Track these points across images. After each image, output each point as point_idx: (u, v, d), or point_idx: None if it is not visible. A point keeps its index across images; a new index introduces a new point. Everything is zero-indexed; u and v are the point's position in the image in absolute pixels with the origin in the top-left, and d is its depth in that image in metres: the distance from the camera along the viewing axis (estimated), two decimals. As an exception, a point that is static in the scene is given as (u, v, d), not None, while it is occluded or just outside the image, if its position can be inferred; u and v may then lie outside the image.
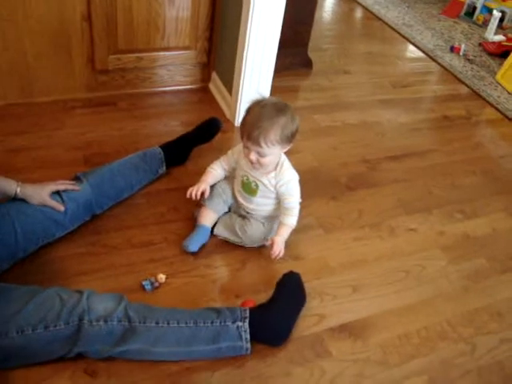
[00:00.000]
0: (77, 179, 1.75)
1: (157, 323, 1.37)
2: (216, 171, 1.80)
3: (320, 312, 1.63)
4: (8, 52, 2.16)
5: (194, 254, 1.73)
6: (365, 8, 4.35)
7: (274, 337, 1.50)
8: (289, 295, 1.56)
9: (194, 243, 1.72)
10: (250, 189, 1.73)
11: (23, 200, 1.57)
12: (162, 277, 1.62)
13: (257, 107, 1.58)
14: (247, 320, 1.43)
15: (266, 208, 1.77)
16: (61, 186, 1.66)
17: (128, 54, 2.39)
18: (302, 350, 1.50)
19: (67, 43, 2.25)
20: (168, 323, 1.38)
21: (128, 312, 1.36)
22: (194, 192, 1.71)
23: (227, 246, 1.79)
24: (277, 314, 1.49)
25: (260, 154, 1.58)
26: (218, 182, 1.82)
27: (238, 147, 1.75)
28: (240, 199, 1.79)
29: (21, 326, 1.27)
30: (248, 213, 1.79)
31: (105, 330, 1.32)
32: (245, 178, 1.73)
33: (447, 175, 2.38)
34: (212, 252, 1.74)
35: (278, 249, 1.65)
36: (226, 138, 2.29)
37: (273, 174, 1.69)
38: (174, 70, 2.55)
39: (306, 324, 1.58)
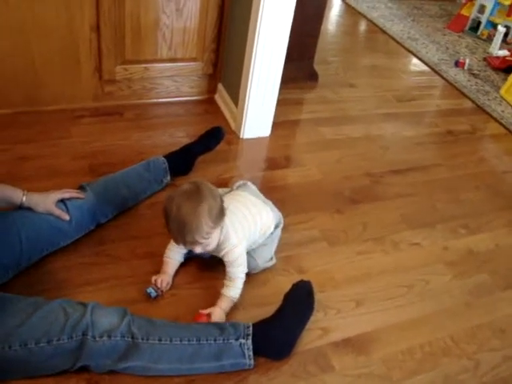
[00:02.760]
0: (81, 188, 1.76)
1: (159, 340, 1.37)
2: (173, 259, 1.68)
3: (324, 326, 1.62)
4: (16, 60, 2.18)
5: (193, 258, 1.72)
6: (369, 21, 4.38)
7: (276, 353, 1.50)
8: (295, 308, 1.53)
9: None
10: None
11: (29, 209, 1.58)
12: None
13: (173, 210, 1.44)
14: (250, 337, 1.42)
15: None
16: (66, 194, 1.67)
17: (135, 65, 2.41)
18: (305, 364, 1.50)
19: (75, 53, 2.27)
20: (171, 340, 1.38)
21: (131, 328, 1.35)
22: (159, 284, 1.61)
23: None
24: (280, 331, 1.48)
25: (203, 245, 1.50)
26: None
27: None
28: None
29: (24, 339, 1.27)
30: None
31: (108, 345, 1.32)
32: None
33: (451, 190, 2.38)
34: (216, 264, 1.73)
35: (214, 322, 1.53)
36: (231, 150, 2.30)
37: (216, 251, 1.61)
38: (180, 80, 2.57)
39: (310, 338, 1.57)
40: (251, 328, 1.45)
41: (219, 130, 2.14)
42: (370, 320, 1.68)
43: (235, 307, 1.61)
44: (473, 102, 3.26)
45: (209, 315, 1.52)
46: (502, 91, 3.38)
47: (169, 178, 2.00)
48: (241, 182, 1.86)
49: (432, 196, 2.31)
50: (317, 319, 1.63)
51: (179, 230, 1.45)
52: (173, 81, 2.55)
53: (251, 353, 1.42)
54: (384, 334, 1.64)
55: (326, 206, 2.11)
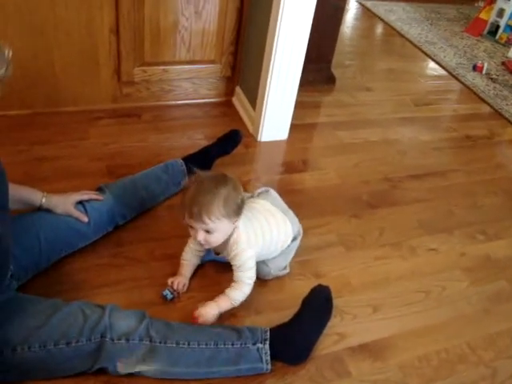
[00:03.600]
0: (99, 190, 1.77)
1: (177, 344, 1.37)
2: (189, 261, 1.69)
3: (340, 331, 1.62)
4: (37, 61, 2.20)
5: (209, 263, 1.73)
6: (387, 24, 4.37)
7: (293, 358, 1.49)
8: (313, 313, 1.53)
9: (207, 254, 1.71)
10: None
11: (48, 210, 1.59)
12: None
13: (193, 184, 1.49)
14: (268, 342, 1.43)
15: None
16: (85, 196, 1.68)
17: (154, 67, 2.42)
18: (322, 370, 1.49)
19: (94, 55, 2.29)
20: (189, 344, 1.38)
21: (149, 331, 1.36)
22: (176, 285, 1.62)
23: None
24: (298, 336, 1.48)
25: (207, 231, 1.48)
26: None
27: None
28: None
29: (43, 340, 1.28)
30: None
31: (126, 348, 1.33)
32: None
33: (469, 195, 2.37)
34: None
35: (201, 317, 1.51)
36: (249, 153, 2.31)
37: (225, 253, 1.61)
38: (198, 83, 2.58)
39: (327, 343, 1.57)
40: (269, 332, 1.45)
41: (237, 133, 2.15)
42: (386, 326, 1.67)
43: (254, 311, 1.62)
44: (491, 106, 3.24)
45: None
46: (521, 96, 3.35)
47: (187, 180, 2.00)
48: (263, 189, 1.84)
49: (449, 201, 2.30)
50: (333, 324, 1.63)
51: (190, 201, 1.45)
52: (191, 83, 2.56)
53: (268, 357, 1.42)
54: (400, 340, 1.63)
55: (343, 210, 2.11)
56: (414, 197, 2.28)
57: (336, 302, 1.68)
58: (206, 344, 1.39)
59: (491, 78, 3.61)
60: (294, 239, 1.76)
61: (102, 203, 1.71)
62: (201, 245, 1.57)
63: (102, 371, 1.35)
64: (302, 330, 1.49)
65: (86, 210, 1.66)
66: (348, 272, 1.84)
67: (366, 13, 4.59)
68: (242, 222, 1.56)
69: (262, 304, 1.64)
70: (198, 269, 1.72)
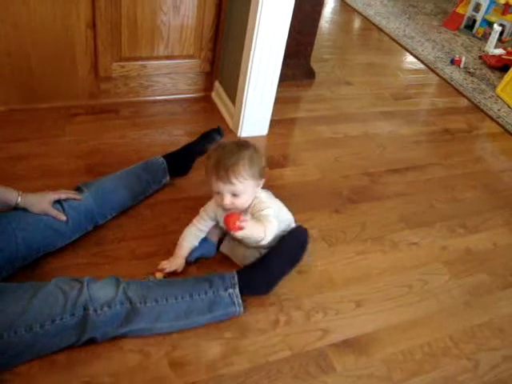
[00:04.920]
0: (78, 190, 1.74)
1: (156, 301, 1.45)
2: (190, 243, 1.70)
3: (324, 327, 1.62)
4: (11, 57, 2.15)
5: (193, 262, 1.72)
6: (366, 18, 4.37)
7: (258, 292, 1.63)
8: (283, 256, 1.64)
9: (193, 253, 1.71)
10: (235, 237, 1.63)
11: (24, 209, 1.56)
12: (159, 275, 1.63)
13: (217, 150, 1.54)
14: (237, 286, 1.54)
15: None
16: (62, 195, 1.65)
17: (132, 62, 2.39)
18: (307, 366, 1.49)
19: (71, 50, 2.25)
20: (167, 300, 1.46)
21: (128, 294, 1.42)
22: (168, 269, 1.64)
23: (232, 264, 1.75)
24: (263, 276, 1.61)
25: (234, 194, 1.51)
26: (210, 207, 1.71)
27: (211, 204, 1.69)
28: (233, 244, 1.75)
29: (29, 323, 1.30)
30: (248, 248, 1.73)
31: (109, 314, 1.38)
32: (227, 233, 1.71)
33: (448, 189, 2.38)
34: (217, 265, 1.73)
35: (245, 227, 1.43)
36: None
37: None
38: (177, 78, 2.55)
39: (310, 339, 1.57)
40: (236, 277, 1.56)
41: (219, 130, 2.14)
42: (369, 321, 1.67)
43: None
44: (469, 100, 3.27)
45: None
46: (498, 90, 3.38)
47: (168, 178, 1.98)
48: None
49: (430, 195, 2.31)
50: (316, 320, 1.63)
51: (217, 165, 1.49)
52: (170, 78, 2.54)
53: (240, 300, 1.54)
54: (384, 335, 1.63)
55: (324, 205, 2.10)
56: (395, 191, 2.29)
57: (319, 297, 1.71)
58: (182, 297, 1.48)
59: (469, 72, 3.64)
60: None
61: (81, 202, 1.68)
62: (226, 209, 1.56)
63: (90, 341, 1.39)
64: (267, 272, 1.62)
65: (63, 208, 1.63)
66: (330, 267, 1.83)
67: (345, 7, 4.59)
68: (263, 193, 1.64)
69: (244, 300, 1.61)
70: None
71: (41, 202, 1.58)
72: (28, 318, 1.30)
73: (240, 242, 1.70)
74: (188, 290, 1.50)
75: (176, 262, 1.66)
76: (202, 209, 1.72)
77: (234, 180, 1.48)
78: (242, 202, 1.54)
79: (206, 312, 1.51)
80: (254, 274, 1.61)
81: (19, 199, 1.55)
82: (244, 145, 1.56)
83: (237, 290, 1.53)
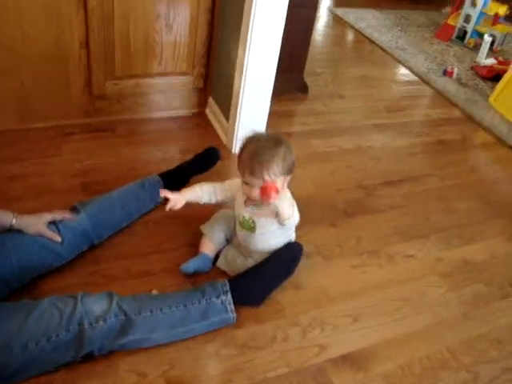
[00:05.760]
0: (74, 209, 1.73)
1: (151, 312, 1.46)
2: (198, 188, 1.77)
3: (321, 342, 1.61)
4: (5, 77, 2.16)
5: (188, 278, 1.72)
6: (358, 31, 4.41)
7: (251, 302, 1.66)
8: (274, 268, 1.68)
9: (189, 265, 1.71)
10: (248, 226, 1.70)
11: (19, 231, 1.56)
12: (155, 292, 1.63)
13: (252, 142, 1.59)
14: (229, 292, 1.56)
15: (266, 240, 1.73)
16: (57, 215, 1.65)
17: (125, 80, 2.40)
18: (305, 382, 1.48)
19: (65, 69, 2.26)
20: (161, 310, 1.48)
21: (122, 306, 1.43)
22: (169, 207, 1.70)
23: (228, 276, 1.75)
24: (255, 285, 1.64)
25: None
26: (219, 211, 1.81)
27: (237, 183, 1.72)
28: (240, 237, 1.77)
29: (24, 342, 1.30)
30: (249, 252, 1.76)
31: (105, 327, 1.38)
32: (241, 217, 1.72)
33: (443, 200, 2.39)
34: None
35: (275, 195, 1.53)
36: (223, 165, 2.28)
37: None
38: (171, 95, 2.56)
39: (308, 355, 1.56)
40: (228, 284, 1.58)
41: (215, 151, 2.15)
42: (367, 335, 1.67)
43: (232, 325, 1.60)
44: (462, 111, 3.29)
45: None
46: (491, 100, 3.40)
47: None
48: None
49: (425, 207, 2.32)
50: (313, 336, 1.63)
51: (252, 159, 1.54)
52: (164, 95, 2.55)
53: (232, 307, 1.56)
54: (382, 349, 1.63)
55: (319, 219, 2.11)
56: (390, 203, 2.29)
57: (316, 312, 1.70)
58: (177, 306, 1.50)
59: (462, 83, 3.67)
60: None
61: (76, 223, 1.68)
62: (250, 200, 1.64)
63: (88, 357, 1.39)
64: (259, 281, 1.65)
65: (58, 229, 1.62)
66: (327, 282, 1.83)
67: (337, 20, 4.63)
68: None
69: (241, 316, 1.62)
70: (177, 285, 1.69)
71: (36, 224, 1.58)
72: (23, 336, 1.30)
73: (245, 248, 1.76)
74: (182, 301, 1.52)
75: (177, 197, 1.71)
76: (229, 181, 1.79)
77: (266, 177, 1.53)
78: None
79: (201, 319, 1.53)
80: (246, 282, 1.64)
81: (14, 221, 1.55)
82: (279, 141, 1.59)
83: (229, 297, 1.56)
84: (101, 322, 1.38)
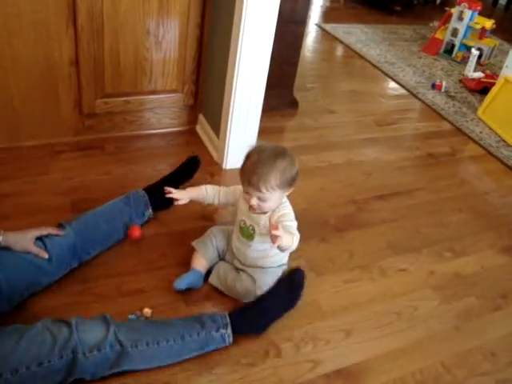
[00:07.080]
0: (60, 226, 1.73)
1: (147, 345, 1.43)
2: (205, 191, 1.83)
3: (314, 358, 1.60)
4: (-6, 96, 2.16)
5: (181, 295, 1.71)
6: (346, 46, 4.44)
7: (252, 331, 1.63)
8: (279, 296, 1.68)
9: (182, 281, 1.70)
10: (247, 233, 1.71)
11: (6, 248, 1.55)
12: (147, 311, 1.62)
13: (255, 153, 1.60)
14: (229, 325, 1.54)
15: (262, 255, 1.73)
16: (44, 231, 1.65)
17: (115, 98, 2.40)
18: (299, 399, 1.48)
19: (54, 87, 2.25)
20: (158, 343, 1.45)
21: (118, 336, 1.40)
22: (170, 194, 1.78)
23: (220, 294, 1.75)
24: (257, 318, 1.62)
25: (261, 199, 1.59)
26: (212, 228, 1.83)
27: (241, 189, 1.73)
28: (237, 245, 1.77)
29: (14, 366, 1.28)
30: (243, 264, 1.77)
31: (99, 357, 1.36)
32: (242, 222, 1.72)
33: (434, 213, 2.40)
34: (205, 299, 1.72)
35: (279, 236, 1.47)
36: (214, 181, 2.29)
37: (269, 213, 1.67)
38: (161, 112, 2.56)
39: (300, 371, 1.55)
40: (228, 317, 1.56)
41: (194, 158, 2.18)
42: (360, 350, 1.66)
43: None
44: (451, 124, 3.30)
45: None
46: (479, 112, 3.43)
47: (150, 211, 1.98)
48: None
49: (416, 220, 2.32)
50: (307, 351, 1.62)
51: (251, 170, 1.56)
52: (154, 113, 2.55)
53: (231, 338, 1.55)
54: (375, 364, 1.62)
55: (311, 235, 2.10)
56: (381, 217, 2.29)
57: (308, 328, 1.70)
58: (174, 340, 1.47)
59: (450, 96, 3.69)
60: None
61: (63, 238, 1.67)
62: (253, 208, 1.64)
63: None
64: (261, 314, 1.63)
65: (45, 245, 1.62)
66: (319, 297, 1.83)
67: (326, 35, 4.66)
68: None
69: (235, 334, 1.60)
70: (169, 303, 1.68)
71: (22, 240, 1.58)
72: (14, 360, 1.29)
73: (238, 270, 1.76)
74: (179, 333, 1.49)
75: (182, 192, 1.80)
76: (233, 187, 1.82)
77: (263, 189, 1.55)
78: (267, 206, 1.62)
79: (198, 349, 1.52)
80: (248, 316, 1.62)
81: (0, 238, 1.54)
82: (281, 154, 1.59)
83: (229, 330, 1.54)
84: (95, 352, 1.36)
